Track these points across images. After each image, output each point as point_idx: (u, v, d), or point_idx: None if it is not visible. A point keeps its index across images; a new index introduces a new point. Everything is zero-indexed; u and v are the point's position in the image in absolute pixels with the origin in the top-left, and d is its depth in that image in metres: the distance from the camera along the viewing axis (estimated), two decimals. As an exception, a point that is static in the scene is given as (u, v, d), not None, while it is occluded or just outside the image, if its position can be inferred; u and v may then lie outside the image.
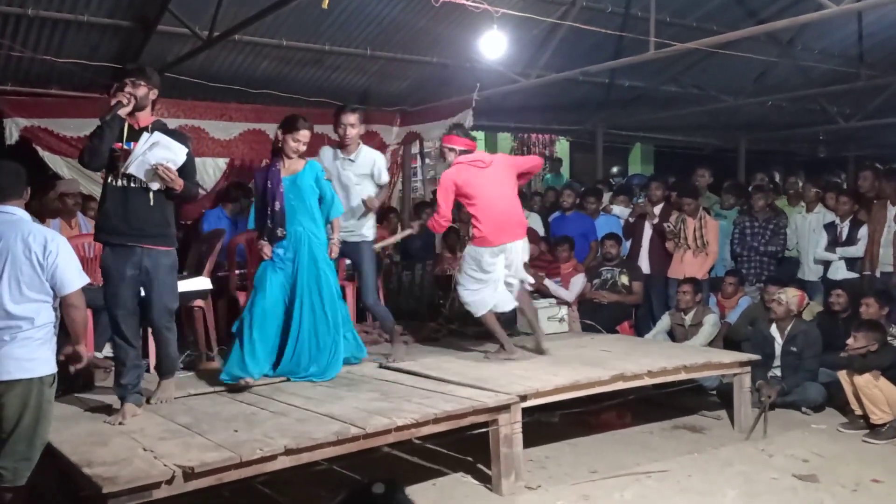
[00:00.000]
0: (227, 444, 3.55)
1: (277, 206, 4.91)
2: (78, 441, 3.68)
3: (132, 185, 4.08)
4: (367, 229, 5.60)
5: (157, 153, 4.01)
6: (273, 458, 3.53)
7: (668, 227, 7.55)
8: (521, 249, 5.57)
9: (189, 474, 3.27)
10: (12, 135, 6.98)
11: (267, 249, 4.95)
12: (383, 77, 8.66)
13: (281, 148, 4.97)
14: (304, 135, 4.89)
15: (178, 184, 4.09)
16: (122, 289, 4.13)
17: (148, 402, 4.33)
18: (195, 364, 5.50)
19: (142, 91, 4.11)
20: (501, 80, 8.20)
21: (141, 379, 4.29)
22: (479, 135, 13.43)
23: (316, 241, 4.99)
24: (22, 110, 7.04)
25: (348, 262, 6.05)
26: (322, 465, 4.03)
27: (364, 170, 5.55)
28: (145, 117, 4.21)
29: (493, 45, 6.84)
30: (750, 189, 8.54)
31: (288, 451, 3.57)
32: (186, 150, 4.13)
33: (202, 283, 5.64)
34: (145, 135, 4.05)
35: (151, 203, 4.11)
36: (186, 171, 4.17)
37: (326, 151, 5.67)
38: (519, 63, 8.12)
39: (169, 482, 3.23)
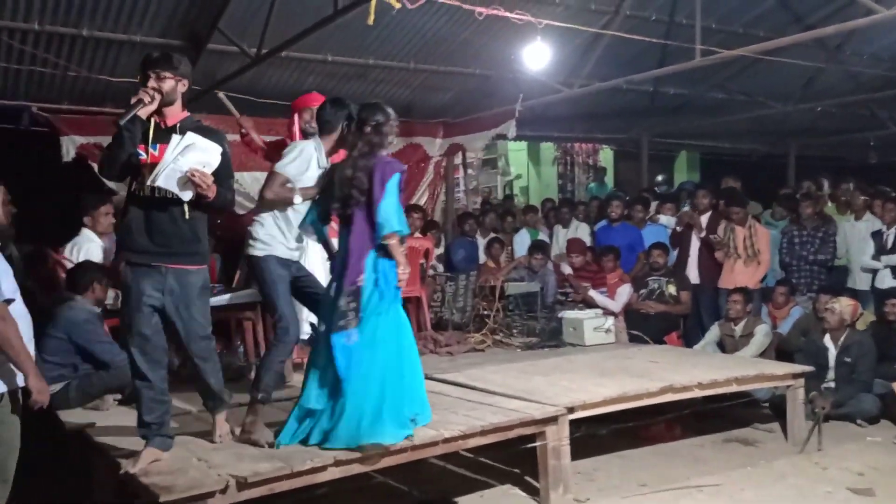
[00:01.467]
0: (278, 455, 3.60)
1: None
2: (133, 452, 3.76)
3: (157, 194, 3.48)
4: None
5: (190, 157, 3.40)
6: (323, 468, 3.57)
7: (716, 238, 7.43)
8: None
9: (242, 484, 3.33)
10: (69, 152, 7.18)
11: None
12: (426, 89, 8.72)
13: None
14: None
15: (213, 191, 3.48)
16: (141, 314, 3.56)
17: (211, 441, 3.89)
18: (245, 373, 5.56)
19: (168, 84, 3.52)
20: (545, 90, 8.19)
21: (167, 417, 3.70)
22: (522, 145, 13.46)
23: None
24: (78, 128, 7.24)
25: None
26: (375, 477, 4.07)
27: None
28: (174, 114, 3.60)
29: (537, 57, 6.84)
30: (797, 197, 8.39)
31: (337, 463, 3.61)
32: (221, 150, 3.53)
33: (251, 295, 5.73)
34: (175, 137, 3.46)
35: (181, 216, 3.52)
36: (220, 175, 3.53)
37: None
38: (562, 73, 8.11)
39: (223, 492, 3.29)
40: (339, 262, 3.97)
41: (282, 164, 4.38)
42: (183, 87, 3.60)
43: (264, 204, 4.41)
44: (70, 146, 7.17)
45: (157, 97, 3.47)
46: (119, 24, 6.50)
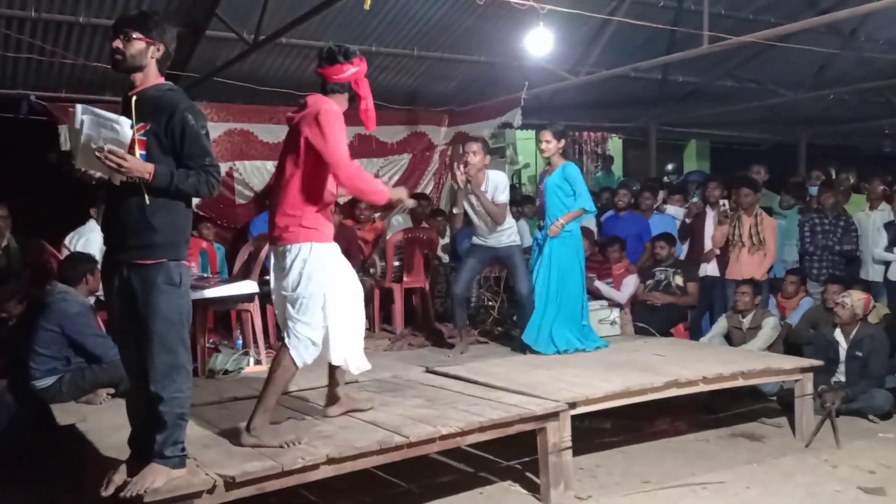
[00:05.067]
0: (269, 453, 3.50)
1: (538, 202, 6.15)
2: (123, 448, 3.67)
3: (119, 181, 3.07)
4: (510, 236, 6.00)
5: (104, 134, 2.95)
6: (315, 467, 3.48)
7: (723, 208, 7.24)
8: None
9: (230, 484, 3.24)
10: (67, 141, 7.11)
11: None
12: (430, 77, 8.60)
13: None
14: (542, 135, 5.89)
15: (131, 169, 2.96)
16: (116, 322, 3.27)
17: (117, 492, 3.19)
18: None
19: (135, 46, 3.10)
20: (550, 77, 8.07)
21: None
22: (530, 133, 13.32)
23: (565, 233, 5.82)
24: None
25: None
26: (370, 470, 3.98)
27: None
28: (140, 82, 3.16)
29: (540, 43, 6.71)
30: (817, 186, 8.18)
31: (330, 461, 3.52)
32: (130, 123, 3.00)
33: (249, 286, 5.65)
34: (78, 111, 3.01)
35: (139, 205, 3.07)
36: (182, 153, 3.08)
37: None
38: (569, 60, 7.98)
39: (210, 491, 3.20)
40: None
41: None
42: (157, 51, 3.15)
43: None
44: (67, 134, 7.09)
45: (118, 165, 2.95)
46: (116, 11, 6.39)
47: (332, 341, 3.74)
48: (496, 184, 5.87)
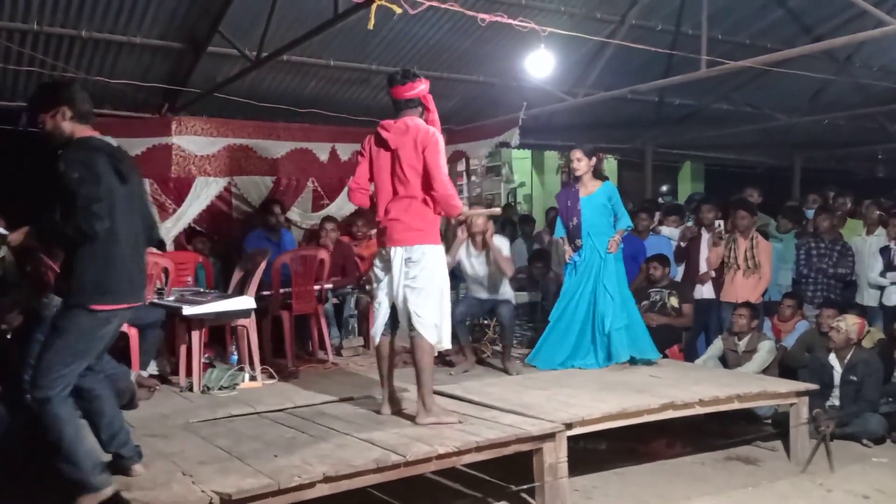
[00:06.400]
0: (265, 471, 3.50)
1: (574, 220, 6.03)
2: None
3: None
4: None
5: None
6: (311, 485, 3.47)
7: (718, 230, 7.28)
8: None
9: (226, 501, 3.22)
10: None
11: (566, 256, 6.15)
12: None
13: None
14: (574, 154, 6.11)
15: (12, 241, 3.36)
16: None
17: None
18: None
19: (48, 124, 3.32)
20: (549, 98, 8.12)
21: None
22: (526, 153, 13.39)
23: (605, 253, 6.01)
24: (75, 130, 7.17)
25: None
26: (367, 489, 3.96)
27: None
28: (71, 142, 3.33)
29: (541, 65, 6.75)
30: (814, 210, 8.23)
31: (327, 479, 3.51)
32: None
33: (246, 302, 5.64)
34: None
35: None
36: (59, 201, 3.22)
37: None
38: (567, 81, 8.03)
39: (206, 509, 3.19)
40: None
41: None
42: (65, 114, 3.31)
43: None
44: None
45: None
46: (118, 26, 6.45)
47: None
48: (500, 245, 6.13)
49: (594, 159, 6.16)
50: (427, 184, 4.28)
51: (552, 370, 5.97)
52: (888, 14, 5.80)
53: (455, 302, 6.24)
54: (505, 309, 6.18)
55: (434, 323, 4.32)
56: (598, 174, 6.23)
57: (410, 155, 4.26)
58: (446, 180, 4.29)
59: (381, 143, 4.39)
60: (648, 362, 6.10)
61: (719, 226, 7.33)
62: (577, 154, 6.11)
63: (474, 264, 6.21)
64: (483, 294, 6.29)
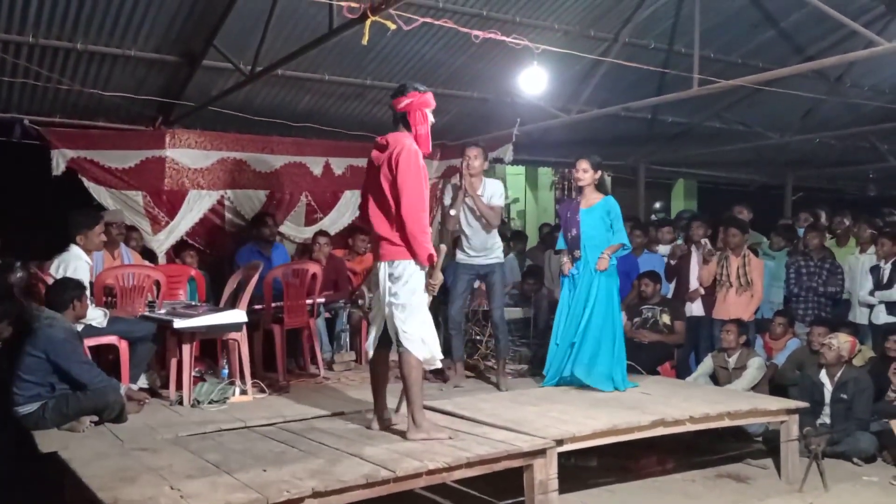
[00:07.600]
0: (254, 485, 3.48)
1: (574, 231, 5.98)
2: (107, 476, 3.64)
3: None
4: (496, 251, 6.18)
5: None
6: (300, 500, 3.45)
7: (707, 248, 7.29)
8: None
9: (214, 515, 3.21)
10: (59, 165, 7.11)
11: (565, 267, 6.05)
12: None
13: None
14: (579, 164, 6.00)
15: None
16: None
17: None
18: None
19: None
20: (542, 115, 8.16)
21: None
22: (520, 169, 13.42)
23: (610, 267, 5.91)
24: (69, 142, 7.18)
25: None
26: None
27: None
28: None
29: (534, 81, 6.81)
30: (804, 228, 8.27)
31: (315, 494, 3.49)
32: None
33: (238, 315, 5.63)
34: None
35: None
36: None
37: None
38: (560, 98, 8.07)
39: (193, 523, 3.17)
40: None
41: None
42: None
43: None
44: (60, 159, 7.10)
45: None
46: (113, 39, 6.45)
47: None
48: (493, 190, 6.06)
49: (599, 172, 6.11)
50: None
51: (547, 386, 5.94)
52: (878, 35, 5.86)
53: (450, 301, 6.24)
54: (496, 314, 6.16)
55: (420, 338, 4.32)
56: (601, 188, 6.15)
57: (387, 171, 4.28)
58: (414, 204, 4.18)
59: (370, 158, 4.48)
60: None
61: (706, 243, 7.36)
62: (583, 165, 6.05)
63: (469, 204, 6.06)
64: (475, 257, 6.10)
